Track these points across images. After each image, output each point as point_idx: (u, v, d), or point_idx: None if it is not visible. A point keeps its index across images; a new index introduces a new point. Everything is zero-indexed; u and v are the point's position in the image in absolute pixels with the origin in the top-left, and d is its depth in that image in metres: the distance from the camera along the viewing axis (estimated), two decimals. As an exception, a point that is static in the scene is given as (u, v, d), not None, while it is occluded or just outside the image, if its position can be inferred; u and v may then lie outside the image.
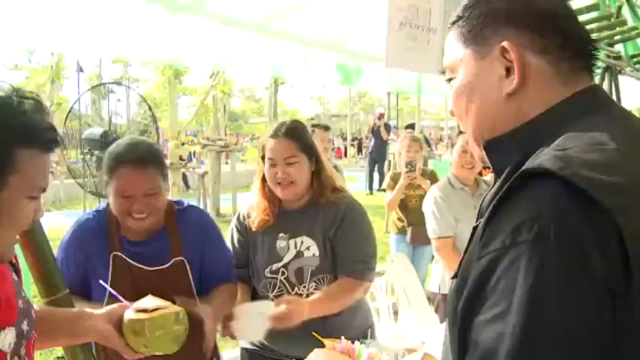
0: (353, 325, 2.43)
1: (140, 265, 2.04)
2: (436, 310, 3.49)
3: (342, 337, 2.10)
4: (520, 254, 0.77)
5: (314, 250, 2.34)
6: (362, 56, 5.12)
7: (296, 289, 2.35)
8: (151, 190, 2.00)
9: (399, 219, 5.19)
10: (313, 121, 6.18)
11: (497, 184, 0.99)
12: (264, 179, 2.39)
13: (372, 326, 2.58)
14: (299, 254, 2.34)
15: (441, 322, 3.10)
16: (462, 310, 0.85)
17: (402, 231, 5.16)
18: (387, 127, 15.12)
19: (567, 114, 0.95)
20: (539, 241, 0.76)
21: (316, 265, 2.34)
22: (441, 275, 3.54)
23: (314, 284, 2.35)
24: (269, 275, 2.36)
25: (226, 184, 12.13)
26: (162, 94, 19.68)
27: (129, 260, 2.04)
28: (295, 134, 2.33)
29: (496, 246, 0.81)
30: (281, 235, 2.36)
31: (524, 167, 0.83)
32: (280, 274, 2.35)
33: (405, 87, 6.97)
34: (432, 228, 3.45)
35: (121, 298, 1.82)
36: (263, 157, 2.37)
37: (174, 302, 1.94)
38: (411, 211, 5.04)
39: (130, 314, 1.71)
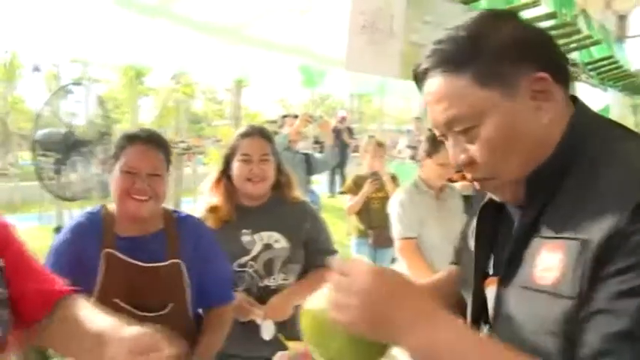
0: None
1: (133, 261, 1.99)
2: None
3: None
4: None
5: (283, 242, 2.46)
6: (325, 59, 5.15)
7: (265, 281, 2.43)
8: (155, 170, 2.02)
9: (360, 222, 5.23)
10: (276, 124, 6.19)
11: (532, 207, 1.01)
12: (222, 179, 2.51)
13: None
14: (268, 247, 2.44)
15: None
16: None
17: (362, 234, 5.19)
18: (349, 131, 15.22)
19: (584, 127, 1.01)
20: None
21: (287, 255, 2.47)
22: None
23: (282, 275, 2.46)
24: (237, 269, 2.41)
25: (188, 187, 12.02)
26: (123, 95, 19.41)
27: (122, 257, 1.99)
28: (269, 135, 2.55)
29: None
30: (244, 231, 2.44)
31: None
32: (249, 266, 2.42)
33: (368, 89, 7.03)
34: (396, 229, 3.47)
35: None
36: (228, 157, 2.50)
37: (165, 305, 1.98)
38: (373, 214, 5.08)
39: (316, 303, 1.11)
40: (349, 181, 5.42)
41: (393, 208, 3.51)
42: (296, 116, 5.79)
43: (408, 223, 3.40)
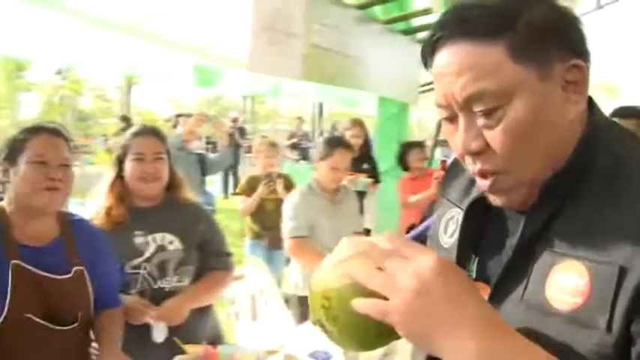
0: (204, 331, 2.50)
1: (46, 274, 1.88)
2: (293, 312, 3.46)
3: (204, 342, 2.11)
4: None
5: (177, 244, 2.44)
6: (221, 59, 5.11)
7: (159, 282, 2.39)
8: (65, 160, 1.95)
9: (255, 224, 5.20)
10: (169, 123, 6.06)
11: (540, 214, 0.89)
12: (116, 180, 2.44)
13: (220, 332, 2.68)
14: (161, 248, 2.41)
15: (298, 323, 3.14)
16: None
17: (257, 236, 5.18)
18: (241, 131, 15.19)
19: (604, 130, 0.91)
20: None
21: (181, 257, 2.43)
22: (297, 277, 3.56)
23: (177, 277, 2.42)
24: (130, 271, 2.35)
25: (75, 187, 11.52)
26: (1, 89, 18.28)
27: (33, 269, 1.86)
28: (161, 134, 2.50)
29: None
30: (137, 232, 2.38)
31: None
32: (142, 268, 2.37)
33: (262, 90, 7.04)
34: (286, 228, 3.47)
35: None
36: (120, 157, 2.43)
37: (76, 316, 1.90)
38: (267, 215, 5.07)
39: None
40: (243, 182, 5.38)
41: (286, 209, 3.53)
42: (190, 116, 5.67)
43: (299, 223, 3.42)
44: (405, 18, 5.62)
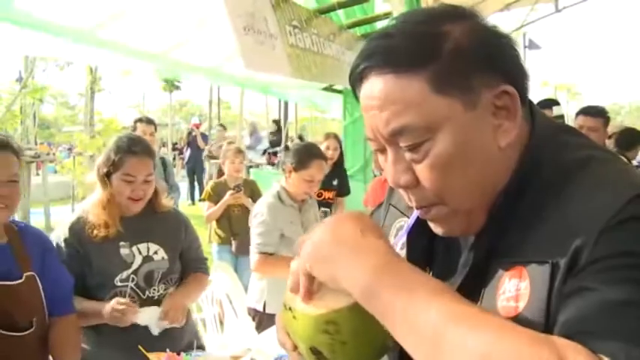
0: (183, 338, 2.49)
1: None
2: (257, 327, 3.35)
3: (167, 350, 2.10)
4: None
5: (162, 253, 2.43)
6: (184, 66, 5.08)
7: (147, 292, 2.38)
8: (13, 176, 1.91)
9: (221, 230, 5.17)
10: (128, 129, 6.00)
11: (486, 234, 0.87)
12: (109, 196, 2.35)
13: (197, 336, 2.66)
14: (147, 259, 2.39)
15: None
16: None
17: (224, 241, 5.15)
18: (204, 137, 15.12)
19: (542, 151, 0.86)
20: None
21: (166, 267, 2.43)
22: (265, 292, 3.42)
23: (163, 285, 2.43)
24: (120, 284, 2.34)
25: (37, 197, 11.33)
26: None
27: None
28: (152, 152, 2.44)
29: None
30: (122, 243, 2.36)
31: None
32: (130, 280, 2.35)
33: (227, 96, 7.01)
34: (254, 242, 3.36)
35: None
36: (108, 172, 2.35)
37: (31, 321, 1.89)
38: (234, 221, 5.06)
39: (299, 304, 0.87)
40: (207, 188, 5.36)
41: (255, 223, 3.41)
42: (149, 120, 5.57)
43: (268, 240, 3.32)
44: (367, 22, 5.68)
